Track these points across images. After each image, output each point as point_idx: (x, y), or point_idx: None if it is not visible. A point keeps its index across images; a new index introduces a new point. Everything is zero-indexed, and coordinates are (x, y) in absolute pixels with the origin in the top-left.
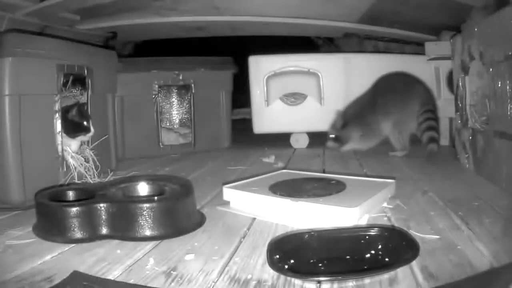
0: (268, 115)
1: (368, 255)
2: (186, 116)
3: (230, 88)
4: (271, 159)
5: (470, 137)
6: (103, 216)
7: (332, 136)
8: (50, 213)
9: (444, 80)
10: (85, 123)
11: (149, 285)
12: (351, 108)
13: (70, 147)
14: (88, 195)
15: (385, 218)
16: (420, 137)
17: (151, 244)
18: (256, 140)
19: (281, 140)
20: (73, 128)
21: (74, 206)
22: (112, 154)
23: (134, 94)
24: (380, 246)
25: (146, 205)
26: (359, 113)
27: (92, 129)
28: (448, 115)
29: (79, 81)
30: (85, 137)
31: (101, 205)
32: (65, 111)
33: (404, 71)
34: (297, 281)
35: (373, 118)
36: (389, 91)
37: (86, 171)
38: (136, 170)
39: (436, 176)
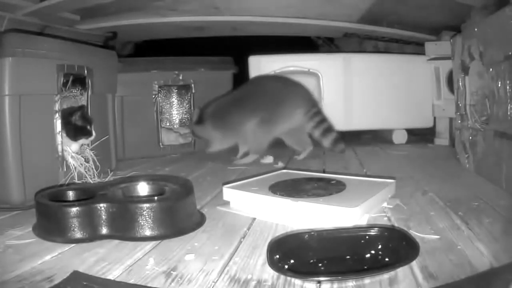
0: None
1: (368, 255)
2: (186, 116)
3: (230, 88)
4: (269, 159)
5: (470, 137)
6: (103, 216)
7: (186, 132)
8: (50, 213)
9: (444, 80)
10: (88, 127)
11: (149, 285)
12: (210, 106)
13: (70, 147)
14: (88, 195)
15: (385, 218)
16: (318, 139)
17: (151, 244)
18: None
19: (281, 140)
20: (75, 131)
21: (74, 206)
22: (112, 154)
23: (134, 94)
24: (380, 246)
25: (146, 205)
26: (218, 112)
27: (93, 133)
28: (448, 115)
29: (79, 81)
30: (86, 140)
31: (101, 205)
32: (67, 114)
33: (281, 75)
34: (297, 281)
35: (236, 118)
36: (262, 90)
37: (86, 171)
38: (136, 170)
39: (436, 176)
